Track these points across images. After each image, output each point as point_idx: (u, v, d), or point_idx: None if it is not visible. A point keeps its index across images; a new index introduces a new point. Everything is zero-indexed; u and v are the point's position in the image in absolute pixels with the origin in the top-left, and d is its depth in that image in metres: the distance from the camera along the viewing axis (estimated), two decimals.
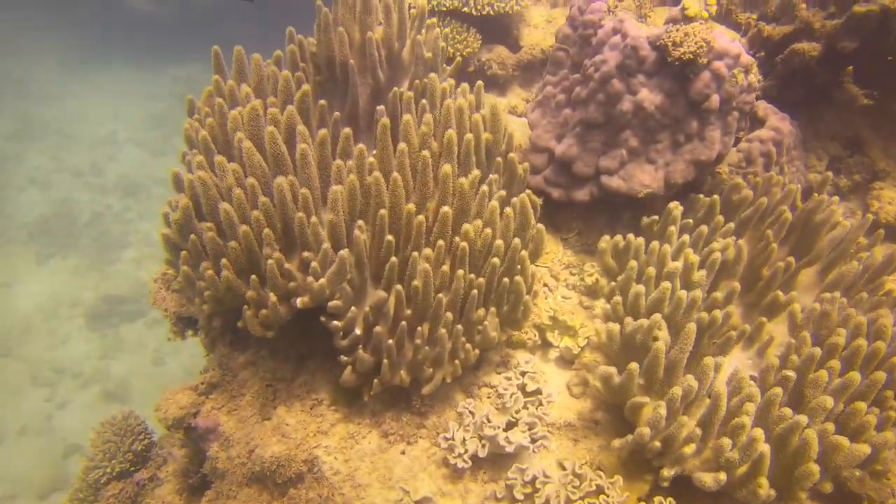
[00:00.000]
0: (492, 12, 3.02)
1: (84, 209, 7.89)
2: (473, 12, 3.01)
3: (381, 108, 2.08)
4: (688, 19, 2.12)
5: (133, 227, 7.68)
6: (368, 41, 2.05)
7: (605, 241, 2.35)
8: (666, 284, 1.92)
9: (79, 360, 6.26)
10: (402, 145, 1.96)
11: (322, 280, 1.78)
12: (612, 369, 1.84)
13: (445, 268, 1.97)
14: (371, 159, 1.97)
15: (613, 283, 2.22)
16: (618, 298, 2.07)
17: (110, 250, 7.37)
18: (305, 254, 1.82)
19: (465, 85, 2.17)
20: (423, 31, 2.20)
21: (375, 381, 1.86)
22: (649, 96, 2.15)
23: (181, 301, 2.26)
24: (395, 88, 2.11)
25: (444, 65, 2.28)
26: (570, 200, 2.51)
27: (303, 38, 2.23)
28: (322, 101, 2.08)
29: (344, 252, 1.78)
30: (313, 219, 1.77)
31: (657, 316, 1.85)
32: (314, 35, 2.20)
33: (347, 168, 1.91)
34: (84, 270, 7.12)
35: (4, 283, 6.85)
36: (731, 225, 2.23)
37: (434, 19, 2.19)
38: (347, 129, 1.97)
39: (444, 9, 3.00)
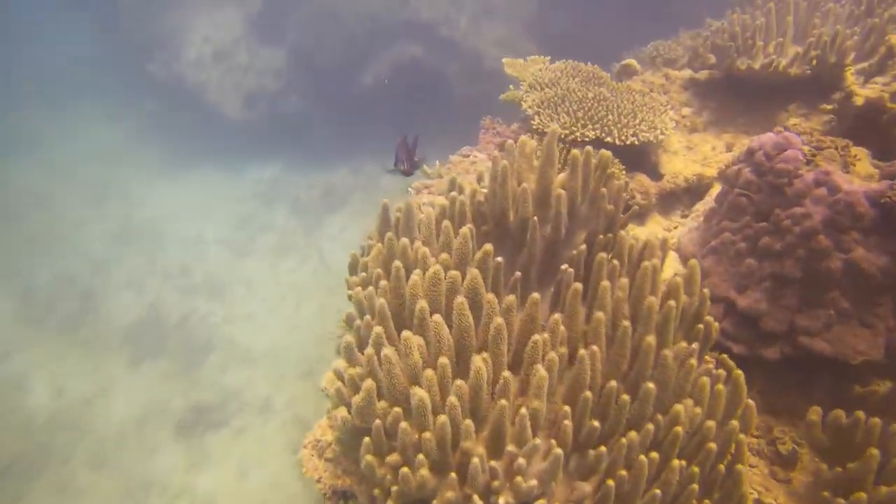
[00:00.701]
0: (636, 142, 2.91)
1: (172, 311, 8.05)
2: (617, 142, 2.90)
3: (567, 268, 1.92)
4: None
5: (218, 330, 7.73)
6: (557, 199, 1.92)
7: (815, 413, 2.04)
8: None
9: (166, 473, 6.12)
10: (599, 315, 1.77)
11: (532, 481, 1.54)
12: None
13: (654, 455, 1.71)
14: (561, 327, 1.78)
15: (839, 471, 1.88)
16: (862, 496, 1.73)
17: (196, 354, 7.40)
18: (510, 447, 1.60)
19: (651, 240, 1.99)
20: (606, 182, 2.06)
21: None
22: (868, 256, 1.91)
23: (336, 472, 2.06)
24: (581, 247, 1.95)
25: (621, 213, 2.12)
26: (754, 357, 2.25)
27: (477, 188, 2.13)
28: (499, 259, 1.94)
29: (558, 450, 1.55)
30: (522, 410, 1.57)
31: None
32: (487, 184, 2.09)
33: (543, 341, 1.71)
34: (172, 376, 7.14)
35: (101, 389, 6.92)
36: None
37: (617, 168, 2.05)
38: (536, 295, 1.79)
39: (586, 139, 2.91)
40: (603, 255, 1.86)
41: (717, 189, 3.12)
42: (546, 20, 10.44)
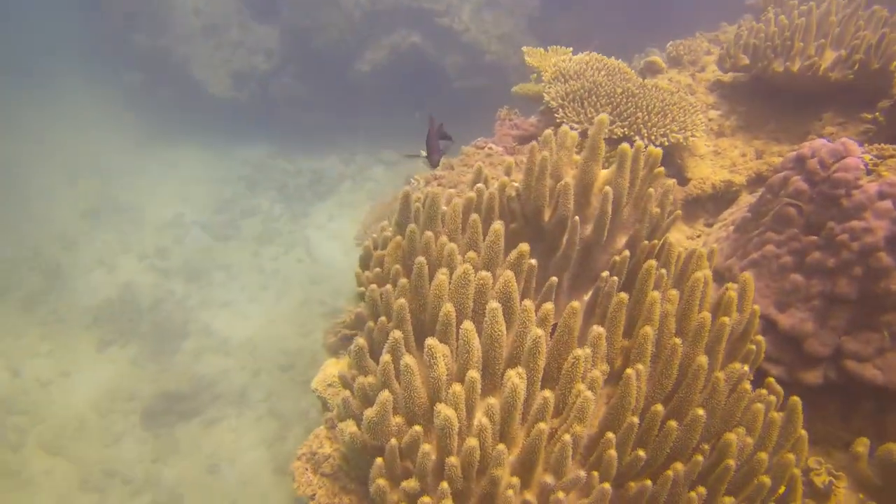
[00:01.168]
0: (666, 143, 2.72)
1: (146, 294, 7.68)
2: (646, 142, 2.71)
3: (609, 276, 1.71)
4: None
5: (194, 316, 7.40)
6: (603, 197, 1.71)
7: (862, 445, 1.87)
8: None
9: (130, 464, 5.79)
10: (646, 330, 1.57)
11: None
12: None
13: (702, 490, 1.53)
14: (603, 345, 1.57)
15: None
16: None
17: (169, 340, 7.06)
18: (546, 478, 1.39)
19: (699, 249, 1.80)
20: (653, 181, 1.86)
21: None
22: None
23: (334, 489, 1.83)
24: (624, 253, 1.74)
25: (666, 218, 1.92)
26: (793, 381, 2.08)
27: (506, 181, 1.91)
28: (532, 261, 1.72)
29: (605, 486, 1.35)
30: (566, 437, 1.36)
31: None
32: (521, 178, 1.88)
33: (585, 357, 1.51)
34: (142, 361, 6.79)
35: (62, 372, 6.54)
36: None
37: (661, 168, 1.85)
38: (576, 304, 1.58)
39: (614, 137, 2.71)
40: (652, 263, 1.66)
41: (745, 197, 2.95)
42: (550, 18, 10.26)
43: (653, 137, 2.71)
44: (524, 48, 3.43)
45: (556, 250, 1.87)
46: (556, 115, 2.84)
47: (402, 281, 1.63)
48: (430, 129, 2.19)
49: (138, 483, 5.67)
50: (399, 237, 1.75)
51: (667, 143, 2.73)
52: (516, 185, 1.95)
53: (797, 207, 2.08)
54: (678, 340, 1.57)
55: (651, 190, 1.82)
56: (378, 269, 1.72)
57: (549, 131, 1.87)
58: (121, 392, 6.42)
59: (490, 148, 3.03)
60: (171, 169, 9.98)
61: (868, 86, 2.74)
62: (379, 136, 10.51)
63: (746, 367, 1.68)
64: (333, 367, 2.80)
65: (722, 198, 2.91)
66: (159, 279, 7.93)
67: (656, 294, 1.59)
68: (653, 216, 1.85)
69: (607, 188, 1.71)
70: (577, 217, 1.75)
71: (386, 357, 1.50)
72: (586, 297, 1.94)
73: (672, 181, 1.89)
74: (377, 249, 1.88)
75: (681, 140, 2.74)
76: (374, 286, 1.64)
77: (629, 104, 2.78)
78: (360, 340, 1.57)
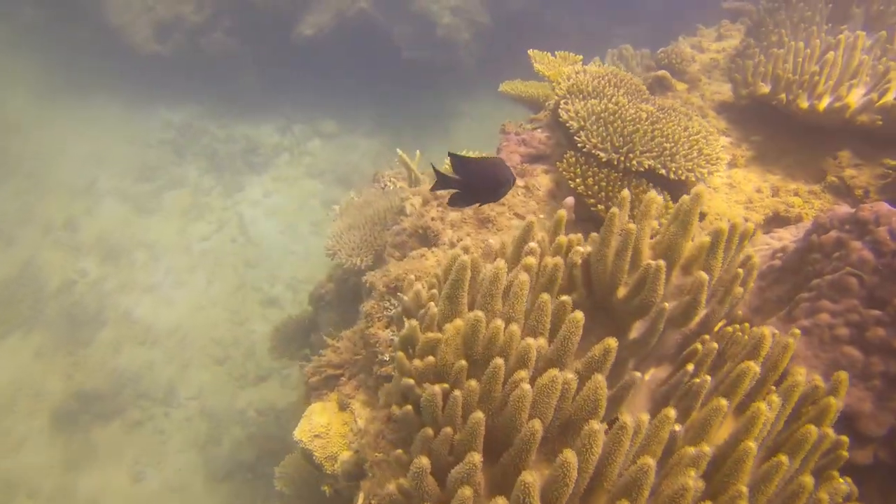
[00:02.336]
0: (692, 178, 2.52)
1: (53, 274, 6.77)
2: (672, 176, 2.50)
3: (704, 379, 1.48)
4: None
5: (111, 302, 6.61)
6: (698, 286, 1.46)
7: None
8: None
9: (37, 473, 5.11)
10: (749, 446, 1.35)
11: None
12: None
13: None
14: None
15: None
16: None
17: (82, 329, 6.27)
18: None
19: (781, 338, 1.60)
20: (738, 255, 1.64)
21: None
22: None
23: None
24: (712, 344, 1.51)
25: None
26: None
27: (572, 243, 1.62)
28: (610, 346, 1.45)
29: None
30: None
31: None
32: (593, 243, 1.59)
33: (694, 491, 1.27)
34: (50, 353, 5.99)
35: None
36: None
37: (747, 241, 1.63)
38: (671, 413, 1.34)
39: (642, 169, 2.47)
40: (752, 365, 1.44)
41: (761, 237, 2.82)
42: None
43: (680, 172, 2.50)
44: (531, 52, 3.09)
45: (626, 331, 1.61)
46: (576, 137, 2.55)
47: (472, 384, 1.31)
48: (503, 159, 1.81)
49: (46, 495, 5.03)
50: (459, 322, 1.42)
51: (693, 179, 2.53)
52: (581, 250, 1.66)
53: (858, 278, 1.94)
54: (784, 459, 1.37)
55: (740, 270, 1.59)
56: (431, 359, 1.39)
57: (624, 192, 1.59)
58: (23, 389, 5.65)
59: None
60: (83, 126, 8.80)
61: (892, 130, 2.66)
62: (319, 105, 9.81)
63: (849, 483, 1.52)
64: (321, 416, 2.44)
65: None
66: (69, 256, 7.01)
67: (763, 406, 1.38)
68: (734, 296, 1.64)
69: (703, 275, 1.46)
70: (665, 304, 1.50)
71: (467, 492, 1.19)
72: (647, 376, 1.71)
73: (756, 259, 1.67)
74: (418, 319, 1.53)
75: (705, 174, 2.55)
76: (434, 390, 1.31)
77: (655, 131, 2.54)
78: (423, 460, 1.24)
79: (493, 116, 11.44)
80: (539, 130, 2.93)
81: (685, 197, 1.55)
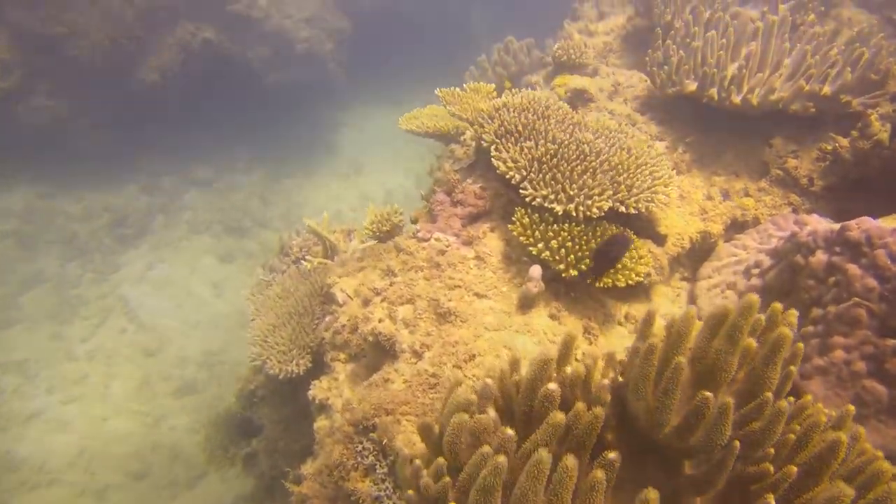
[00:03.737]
0: (653, 208, 2.29)
1: None
2: (631, 210, 2.25)
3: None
4: None
5: None
6: (776, 416, 1.18)
7: None
8: None
9: None
10: None
11: None
12: None
13: None
14: None
15: None
16: None
17: None
18: None
19: (843, 438, 1.37)
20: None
21: None
22: None
23: None
24: (790, 467, 1.25)
25: None
26: None
27: (584, 369, 1.28)
28: None
29: None
30: None
31: None
32: (630, 382, 1.26)
33: None
34: None
35: None
36: None
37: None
38: None
39: (602, 213, 2.20)
40: (846, 490, 1.18)
41: (723, 247, 2.66)
42: None
43: (636, 204, 2.25)
44: (438, 91, 2.70)
45: (678, 470, 1.32)
46: (521, 191, 2.22)
47: None
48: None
49: None
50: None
51: (653, 209, 2.30)
52: (607, 382, 1.33)
53: (867, 309, 1.78)
54: None
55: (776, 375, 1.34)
56: None
57: (662, 324, 1.28)
58: None
59: (437, 240, 2.32)
60: None
61: (821, 114, 2.58)
62: (185, 150, 8.81)
63: None
64: None
65: (698, 250, 2.60)
66: None
67: None
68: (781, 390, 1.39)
69: (782, 405, 1.18)
70: (737, 442, 1.20)
71: None
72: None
73: (800, 345, 1.42)
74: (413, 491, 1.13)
75: (663, 200, 2.32)
76: None
77: (603, 165, 2.27)
78: None
79: (372, 118, 10.96)
80: (470, 181, 2.56)
81: (729, 306, 1.26)
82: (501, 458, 1.13)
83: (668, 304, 2.56)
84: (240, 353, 5.94)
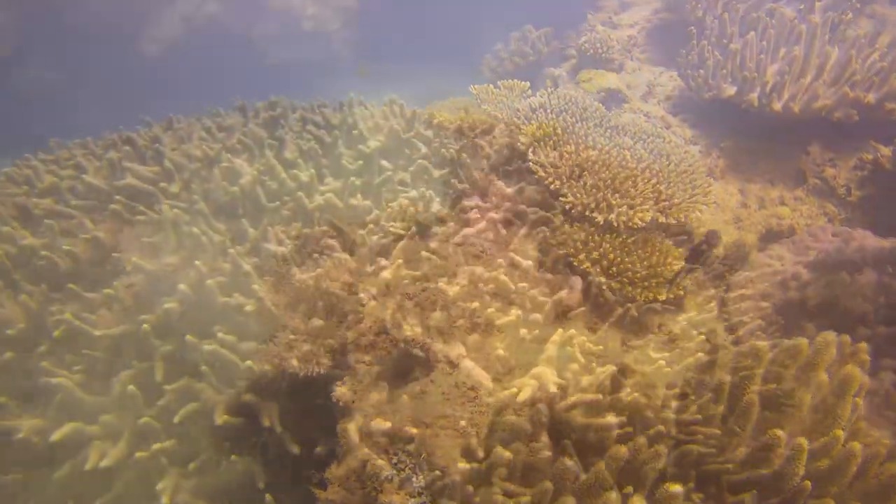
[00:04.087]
0: (693, 218, 2.24)
1: None
2: (671, 220, 2.20)
3: None
4: None
5: None
6: (847, 458, 1.14)
7: None
8: None
9: None
10: None
11: None
12: None
13: None
14: None
15: None
16: None
17: None
18: None
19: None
20: None
21: None
22: None
23: None
24: None
25: None
26: None
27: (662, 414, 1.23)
28: None
29: None
30: None
31: None
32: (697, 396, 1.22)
33: None
34: None
35: None
36: None
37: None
38: None
39: (644, 223, 2.14)
40: None
41: (757, 257, 2.62)
42: None
43: (678, 215, 2.20)
44: (472, 88, 2.61)
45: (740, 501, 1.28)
46: (561, 199, 2.16)
47: None
48: None
49: None
50: None
51: (693, 218, 2.25)
52: (673, 417, 1.29)
53: None
54: None
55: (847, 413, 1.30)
56: None
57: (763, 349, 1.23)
58: None
59: (471, 245, 2.26)
60: None
61: (860, 122, 2.52)
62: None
63: None
64: None
65: (732, 257, 2.55)
66: None
67: None
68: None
69: (857, 447, 1.15)
70: (808, 483, 1.17)
71: None
72: None
73: (867, 379, 1.39)
74: None
75: (704, 208, 2.27)
76: None
77: (644, 172, 2.21)
78: None
79: (380, 98, 10.75)
80: (503, 183, 2.49)
81: (802, 341, 1.22)
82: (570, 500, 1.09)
83: (698, 311, 2.53)
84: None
